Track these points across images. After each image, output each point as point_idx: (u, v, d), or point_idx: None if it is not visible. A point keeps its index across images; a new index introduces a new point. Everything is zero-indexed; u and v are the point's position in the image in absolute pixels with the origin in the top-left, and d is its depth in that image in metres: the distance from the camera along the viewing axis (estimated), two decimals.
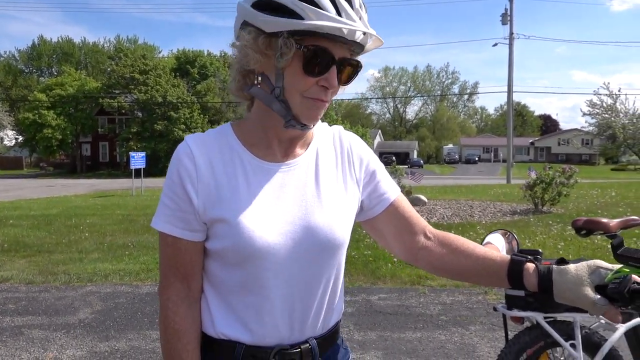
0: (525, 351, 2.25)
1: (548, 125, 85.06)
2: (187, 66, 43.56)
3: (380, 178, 1.10)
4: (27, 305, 4.71)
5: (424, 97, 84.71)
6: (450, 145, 74.20)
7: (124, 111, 40.89)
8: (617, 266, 0.90)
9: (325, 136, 1.09)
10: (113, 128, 43.51)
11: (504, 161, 35.82)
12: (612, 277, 0.88)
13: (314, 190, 1.01)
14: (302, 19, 0.87)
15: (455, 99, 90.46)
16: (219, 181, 0.97)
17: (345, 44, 0.92)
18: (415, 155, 67.08)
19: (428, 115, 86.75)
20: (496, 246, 1.24)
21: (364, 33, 0.93)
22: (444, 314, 4.40)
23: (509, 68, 27.02)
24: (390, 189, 1.11)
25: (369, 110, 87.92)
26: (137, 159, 17.66)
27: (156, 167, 34.04)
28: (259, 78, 0.96)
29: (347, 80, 0.97)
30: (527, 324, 2.35)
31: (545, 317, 2.22)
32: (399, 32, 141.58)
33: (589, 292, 0.88)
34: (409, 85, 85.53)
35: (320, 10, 0.87)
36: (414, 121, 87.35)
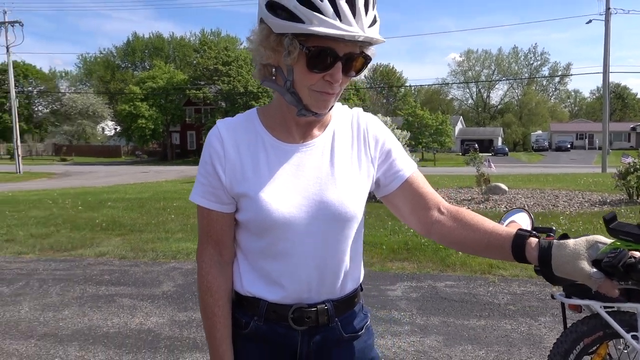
0: (582, 340, 2.18)
1: None
2: None
3: (396, 156, 1.16)
4: (119, 277, 5.25)
5: (510, 81, 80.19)
6: (539, 132, 69.74)
7: (208, 101, 43.08)
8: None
9: (343, 118, 1.17)
10: (199, 118, 46.10)
11: (600, 148, 33.08)
12: (607, 249, 0.88)
13: (329, 169, 1.10)
14: (304, 23, 0.95)
15: (545, 82, 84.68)
16: (244, 160, 1.09)
17: (350, 42, 0.98)
18: (499, 143, 63.90)
19: (514, 100, 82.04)
20: (519, 224, 1.25)
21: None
22: (513, 303, 4.28)
23: (604, 46, 24.83)
24: (405, 166, 1.16)
25: (450, 96, 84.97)
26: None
27: None
28: (274, 70, 1.07)
29: (358, 72, 1.04)
30: (586, 312, 2.27)
31: (605, 307, 2.14)
32: (481, 12, 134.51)
33: (586, 265, 0.90)
34: (493, 68, 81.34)
35: (320, 16, 0.94)
36: (498, 106, 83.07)
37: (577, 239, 0.93)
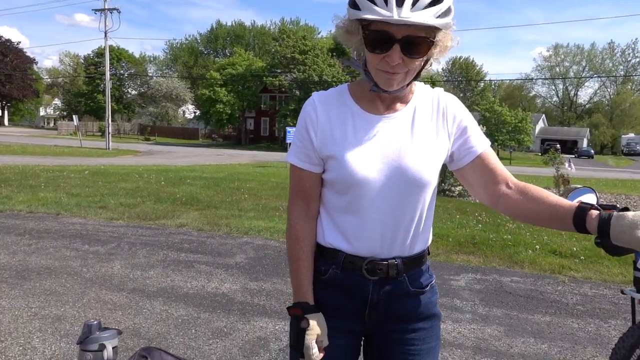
0: None
1: None
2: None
3: (471, 133, 1.27)
4: (197, 246, 5.69)
5: (602, 79, 74.35)
6: (632, 135, 64.34)
7: (283, 89, 44.01)
8: None
9: (425, 95, 1.29)
10: (274, 105, 47.27)
11: None
12: None
13: (408, 138, 1.23)
14: (360, 10, 1.10)
15: None
16: (333, 127, 1.26)
17: (404, 25, 1.08)
18: (585, 144, 59.77)
19: (605, 99, 76.05)
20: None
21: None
22: (582, 304, 4.16)
23: None
24: (479, 143, 1.27)
25: (533, 93, 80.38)
26: (293, 134, 19.10)
27: None
28: (355, 52, 1.23)
29: (423, 54, 1.13)
30: None
31: None
32: (573, 4, 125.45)
33: None
34: (583, 64, 75.69)
35: (370, 4, 1.08)
36: (586, 106, 77.44)
37: (636, 212, 1.00)
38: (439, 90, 1.32)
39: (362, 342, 1.38)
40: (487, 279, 4.80)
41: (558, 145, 40.28)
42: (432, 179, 1.24)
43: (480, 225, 7.42)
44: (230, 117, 47.21)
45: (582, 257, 5.67)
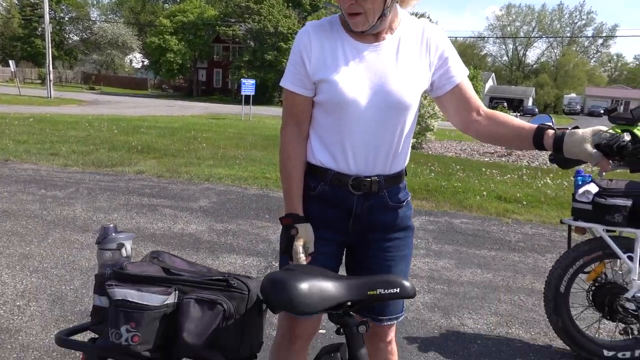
0: (582, 257, 2.47)
1: None
2: None
3: (451, 64, 1.41)
4: (159, 191, 5.69)
5: (550, 40, 76.73)
6: (573, 95, 67.40)
7: (237, 40, 42.55)
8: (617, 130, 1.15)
9: (411, 26, 1.42)
10: (227, 56, 45.74)
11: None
12: (607, 135, 1.14)
13: (393, 65, 1.36)
14: None
15: (587, 43, 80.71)
16: (325, 53, 1.37)
17: None
18: (530, 103, 62.20)
19: (551, 60, 78.82)
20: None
21: None
22: (523, 241, 4.59)
23: None
24: (458, 74, 1.42)
25: (485, 52, 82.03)
26: (248, 86, 18.72)
27: (264, 95, 35.64)
28: None
29: None
30: (589, 236, 2.55)
31: (607, 230, 2.42)
32: None
33: (589, 147, 1.16)
34: (533, 25, 77.66)
35: None
36: (534, 66, 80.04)
37: (585, 129, 1.19)
38: (425, 21, 1.45)
39: (344, 253, 1.55)
40: (439, 221, 5.15)
41: (505, 103, 41.81)
42: (413, 103, 1.39)
43: (433, 174, 7.80)
44: (181, 68, 45.38)
45: (524, 202, 6.15)
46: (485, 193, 6.53)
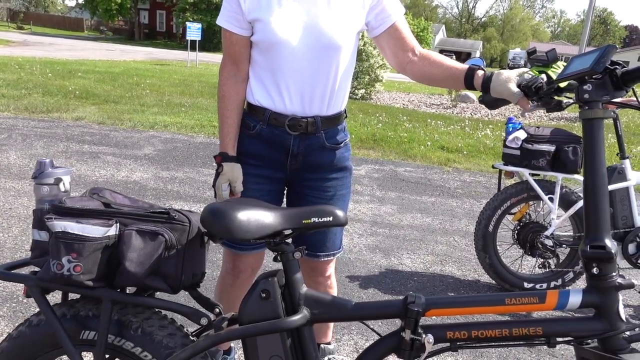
0: (510, 199, 2.67)
1: (633, 37, 76.83)
2: None
3: (386, 3, 1.44)
4: (100, 139, 5.49)
5: None
6: (518, 50, 68.93)
7: None
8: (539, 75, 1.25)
9: None
10: None
11: None
12: (529, 77, 1.23)
13: (325, 5, 1.38)
14: None
15: None
16: None
17: None
18: (477, 56, 63.40)
19: (499, 14, 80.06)
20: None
21: None
22: (461, 188, 4.85)
23: None
24: (393, 13, 1.45)
25: (436, 3, 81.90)
26: (193, 30, 17.81)
27: (211, 42, 34.13)
28: None
29: None
30: (516, 179, 2.75)
31: (532, 174, 2.61)
32: None
33: (513, 86, 1.25)
34: None
35: None
36: (482, 19, 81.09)
37: (511, 70, 1.28)
38: None
39: (285, 190, 1.61)
40: (384, 169, 5.32)
41: (454, 56, 42.40)
42: (345, 43, 1.41)
43: (380, 125, 7.94)
44: (121, 8, 42.37)
45: (465, 152, 6.44)
46: (429, 143, 6.76)
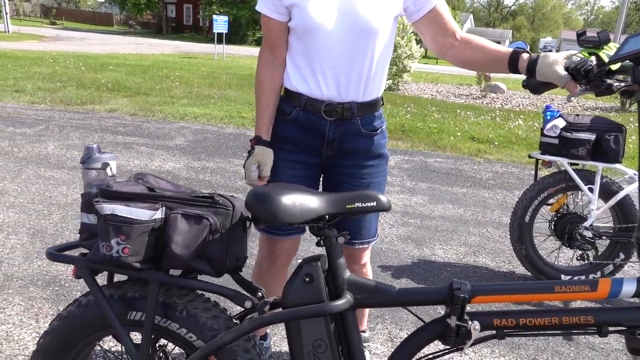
0: (547, 189, 2.61)
1: None
2: None
3: None
4: (133, 130, 5.60)
5: None
6: (549, 39, 67.08)
7: None
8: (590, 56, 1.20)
9: None
10: None
11: None
12: (578, 59, 1.19)
13: None
14: None
15: None
16: None
17: None
18: (506, 46, 61.86)
19: (529, 2, 77.82)
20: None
21: None
22: (493, 179, 4.76)
23: None
24: None
25: None
26: (220, 23, 17.88)
27: (237, 34, 34.32)
28: None
29: None
30: (554, 169, 2.68)
31: (570, 164, 2.54)
32: None
33: (560, 69, 1.21)
34: None
35: None
36: (512, 7, 78.98)
37: (559, 53, 1.24)
38: None
39: (320, 177, 1.61)
40: (413, 160, 5.26)
41: None
42: (382, 28, 1.39)
43: (409, 115, 7.86)
44: (149, 2, 42.95)
45: (496, 143, 6.31)
46: (459, 134, 6.65)
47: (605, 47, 1.21)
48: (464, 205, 3.95)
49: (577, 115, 2.60)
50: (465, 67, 1.48)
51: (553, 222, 2.70)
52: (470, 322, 1.00)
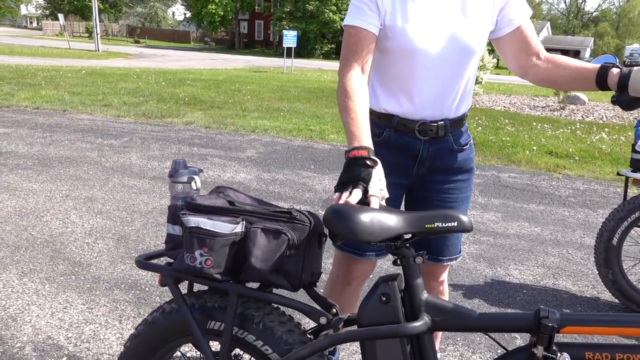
0: (638, 210, 2.40)
1: None
2: None
3: (514, 5, 1.36)
4: (207, 142, 5.86)
5: None
6: (636, 45, 62.26)
7: None
8: None
9: None
10: (268, 7, 44.94)
11: None
12: None
13: (460, 12, 1.33)
14: None
15: None
16: (396, 0, 1.32)
17: None
18: (587, 54, 58.35)
19: (614, 7, 73.00)
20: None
21: None
22: (574, 197, 4.47)
23: None
24: (520, 16, 1.36)
25: None
26: (289, 38, 18.40)
27: (305, 48, 35.06)
28: None
29: None
30: None
31: None
32: None
33: None
34: None
35: None
36: (593, 14, 74.48)
37: None
38: None
39: (404, 194, 1.58)
40: (486, 175, 5.07)
41: (559, 54, 39.37)
42: (480, 48, 1.36)
43: (480, 128, 7.60)
44: (223, 19, 45.09)
45: (576, 158, 5.94)
46: (535, 148, 6.33)
47: None
48: (542, 223, 3.74)
49: None
50: (547, 86, 1.41)
51: None
52: (559, 354, 0.94)
